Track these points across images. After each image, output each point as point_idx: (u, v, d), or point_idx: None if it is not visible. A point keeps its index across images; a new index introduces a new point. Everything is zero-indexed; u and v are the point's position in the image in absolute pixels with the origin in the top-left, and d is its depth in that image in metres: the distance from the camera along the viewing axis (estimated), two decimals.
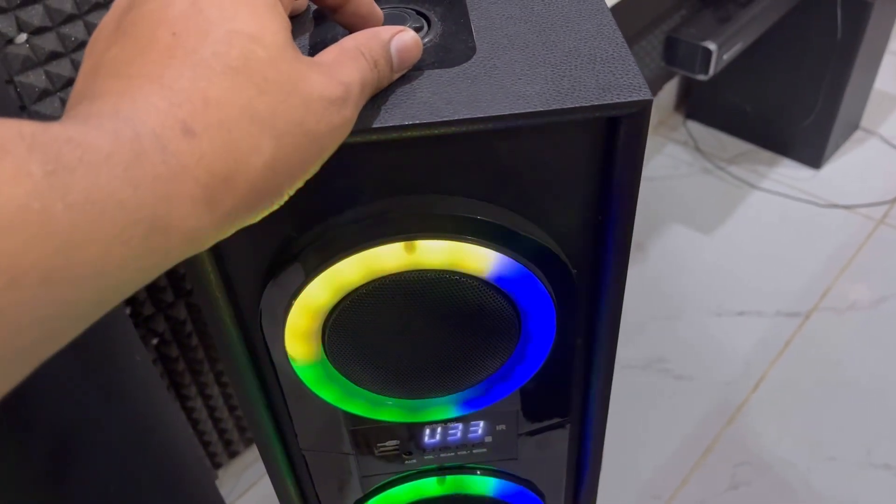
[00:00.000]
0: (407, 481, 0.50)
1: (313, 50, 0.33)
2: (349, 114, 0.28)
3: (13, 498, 0.46)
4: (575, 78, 0.31)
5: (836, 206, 1.67)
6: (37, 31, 0.69)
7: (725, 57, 1.36)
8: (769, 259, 1.56)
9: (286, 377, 0.41)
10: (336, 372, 0.39)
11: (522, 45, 0.33)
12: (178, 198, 0.22)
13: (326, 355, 0.38)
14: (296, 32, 0.34)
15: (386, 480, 0.50)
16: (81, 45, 0.72)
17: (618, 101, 0.30)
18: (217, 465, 1.15)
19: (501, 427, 0.46)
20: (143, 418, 0.59)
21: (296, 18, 0.35)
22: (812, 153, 1.76)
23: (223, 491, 1.18)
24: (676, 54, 1.37)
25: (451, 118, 0.30)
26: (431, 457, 0.48)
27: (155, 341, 0.95)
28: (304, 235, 0.35)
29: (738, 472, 1.22)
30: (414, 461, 0.48)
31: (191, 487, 0.66)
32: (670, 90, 1.89)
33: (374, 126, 0.30)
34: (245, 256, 0.36)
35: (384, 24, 0.33)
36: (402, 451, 0.47)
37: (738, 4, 1.43)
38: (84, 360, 0.50)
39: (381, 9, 0.34)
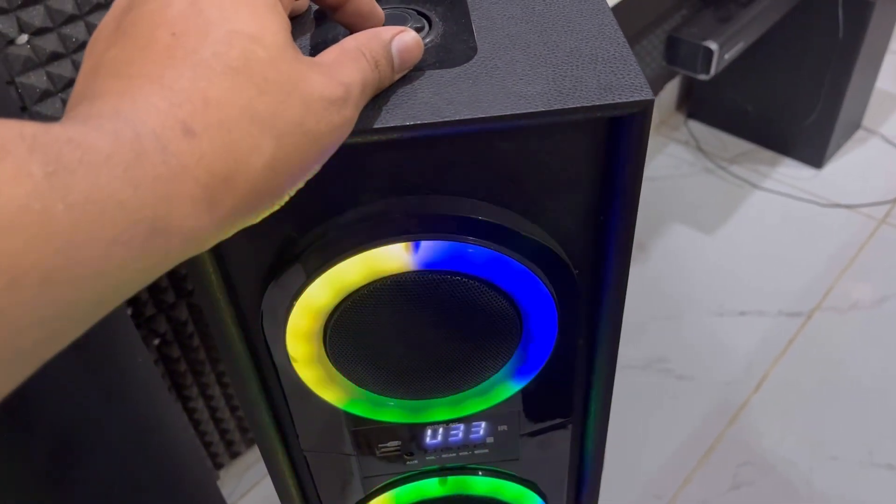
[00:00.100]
0: (408, 482, 0.50)
1: (314, 50, 0.33)
2: (350, 114, 0.28)
3: (14, 498, 0.46)
4: (576, 78, 0.31)
5: (837, 205, 1.67)
6: (38, 32, 0.69)
7: (727, 56, 1.36)
8: (771, 259, 1.56)
9: (287, 378, 0.41)
10: (337, 373, 0.39)
11: (524, 46, 0.33)
12: (178, 198, 0.22)
13: (328, 356, 0.38)
14: (296, 33, 0.34)
15: (387, 481, 0.50)
16: (82, 45, 0.72)
17: (619, 101, 0.30)
18: (219, 466, 1.15)
19: (503, 427, 0.46)
20: (145, 419, 0.59)
21: (297, 19, 0.35)
22: (813, 153, 1.76)
23: (225, 491, 1.18)
24: (678, 54, 1.37)
25: (453, 118, 0.30)
26: (433, 457, 0.48)
27: (156, 342, 0.95)
28: (305, 236, 0.35)
29: (740, 472, 1.22)
30: (415, 462, 0.48)
31: (192, 488, 0.66)
32: (671, 90, 1.89)
33: (375, 126, 0.30)
34: (246, 257, 0.36)
35: (385, 24, 0.33)
36: (404, 451, 0.47)
37: (739, 4, 1.43)
38: (85, 360, 0.50)
39: (383, 9, 0.34)
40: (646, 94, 0.30)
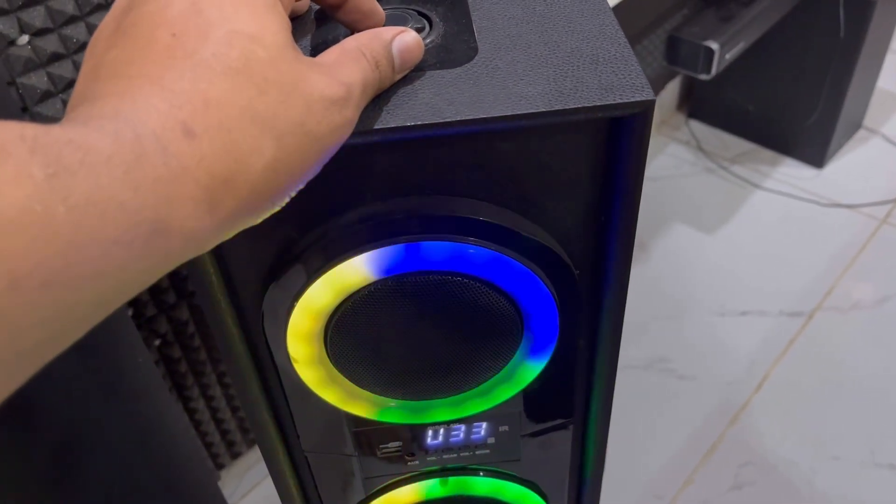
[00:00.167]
0: (409, 482, 0.50)
1: (315, 51, 0.33)
2: (350, 114, 0.28)
3: (15, 499, 0.46)
4: (577, 78, 0.31)
5: (839, 205, 1.67)
6: (38, 33, 0.69)
7: (728, 56, 1.36)
8: (772, 258, 1.55)
9: (288, 378, 0.41)
10: (338, 373, 0.39)
11: (524, 46, 0.33)
12: (179, 199, 0.22)
13: (329, 357, 0.38)
14: (297, 33, 0.34)
15: (388, 482, 0.50)
16: (83, 46, 0.72)
17: (620, 101, 0.30)
18: (220, 466, 1.15)
19: (504, 428, 0.46)
20: (146, 419, 0.59)
21: (297, 19, 0.35)
22: (815, 152, 1.76)
23: (226, 492, 1.18)
24: (678, 54, 1.37)
25: (453, 119, 0.30)
26: (434, 458, 0.48)
27: (157, 342, 0.95)
28: (305, 236, 0.35)
29: (741, 472, 1.22)
30: (416, 462, 0.48)
31: (193, 488, 0.66)
32: (672, 90, 1.89)
33: (376, 127, 0.30)
34: (247, 258, 0.36)
35: (386, 24, 0.33)
36: (405, 452, 0.47)
37: (740, 4, 1.43)
38: (86, 361, 0.50)
39: (384, 9, 0.34)
40: (647, 95, 0.30)
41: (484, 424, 0.46)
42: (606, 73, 0.31)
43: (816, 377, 1.34)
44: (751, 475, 1.21)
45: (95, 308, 0.21)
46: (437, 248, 0.34)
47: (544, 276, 0.36)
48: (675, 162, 1.80)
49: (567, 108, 0.30)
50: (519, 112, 0.30)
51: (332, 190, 0.33)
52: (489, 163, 0.33)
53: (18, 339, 0.19)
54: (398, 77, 0.32)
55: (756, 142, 1.83)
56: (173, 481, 0.62)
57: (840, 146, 1.79)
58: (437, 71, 0.32)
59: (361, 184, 0.34)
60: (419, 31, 0.34)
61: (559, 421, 0.47)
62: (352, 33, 0.32)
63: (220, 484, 1.12)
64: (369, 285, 0.35)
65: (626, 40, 0.33)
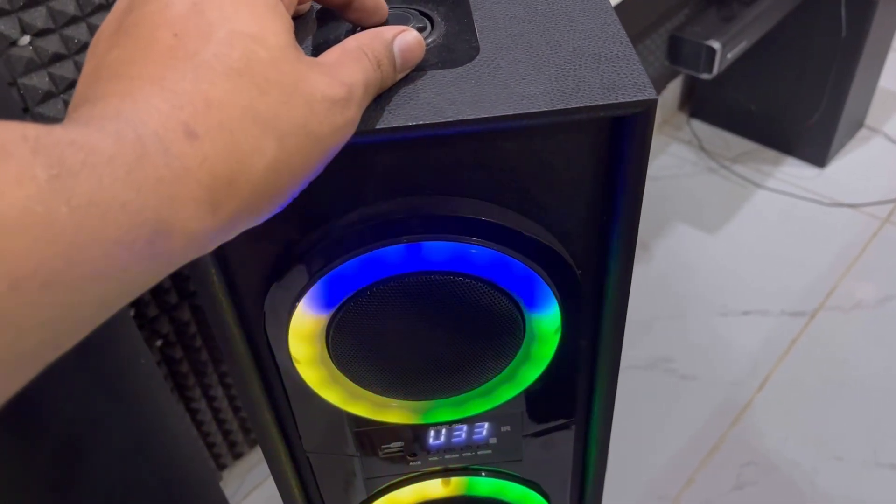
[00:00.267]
0: (411, 483, 0.49)
1: (316, 50, 0.33)
2: (352, 114, 0.28)
3: (18, 500, 0.46)
4: (579, 78, 0.31)
5: (841, 204, 1.67)
6: (40, 33, 0.69)
7: (729, 56, 1.36)
8: (774, 258, 1.55)
9: (290, 379, 0.41)
10: (340, 373, 0.39)
11: (526, 45, 0.33)
12: (181, 200, 0.22)
13: (330, 357, 0.38)
14: (298, 33, 0.34)
15: (390, 482, 0.50)
16: (84, 46, 0.72)
17: (622, 100, 0.30)
18: (221, 467, 1.16)
19: (506, 428, 0.46)
20: (147, 420, 0.59)
21: (298, 19, 0.35)
22: (817, 152, 1.75)
23: (227, 492, 1.18)
24: (680, 53, 1.37)
25: (455, 119, 0.30)
26: (436, 458, 0.48)
27: (159, 343, 0.95)
28: (307, 237, 0.35)
29: (743, 472, 1.22)
30: (418, 463, 0.48)
31: (195, 488, 0.66)
32: (674, 89, 1.89)
33: (378, 127, 0.30)
34: (249, 258, 0.36)
35: (387, 24, 0.33)
36: (407, 452, 0.47)
37: (742, 3, 1.42)
38: (88, 362, 0.50)
39: None
40: (649, 94, 0.30)
41: (486, 425, 0.46)
42: (608, 72, 0.31)
43: (819, 377, 1.34)
44: (753, 475, 1.21)
45: (97, 309, 0.21)
46: (438, 249, 0.34)
47: (546, 276, 0.36)
48: (677, 161, 1.80)
49: (569, 107, 0.30)
50: (521, 111, 0.30)
51: (334, 190, 0.33)
52: (491, 162, 0.33)
53: (20, 341, 0.19)
54: (400, 76, 0.31)
55: (758, 141, 1.83)
56: (175, 481, 0.62)
57: (842, 145, 1.79)
58: (439, 70, 0.32)
59: (363, 184, 0.34)
60: (421, 30, 0.34)
61: (561, 421, 0.47)
62: (353, 32, 0.32)
63: (221, 484, 1.12)
64: (371, 286, 0.35)
65: (628, 39, 0.33)
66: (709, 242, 1.60)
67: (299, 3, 0.33)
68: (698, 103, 1.89)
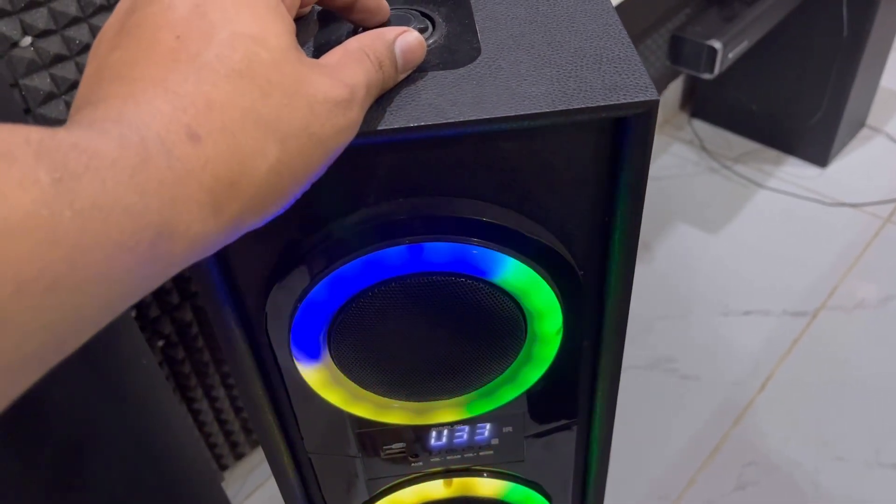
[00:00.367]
0: (413, 484, 0.49)
1: (318, 52, 0.33)
2: (354, 115, 0.28)
3: (21, 500, 0.46)
4: (581, 78, 0.31)
5: (842, 204, 1.67)
6: (41, 35, 0.69)
7: (731, 55, 1.36)
8: (776, 258, 1.55)
9: (292, 380, 0.41)
10: (342, 374, 0.39)
11: (528, 46, 0.33)
12: (183, 202, 0.22)
13: (332, 358, 0.38)
14: (300, 34, 0.34)
15: (392, 483, 0.50)
16: (86, 48, 0.72)
17: (624, 101, 0.30)
18: (223, 467, 1.16)
19: (508, 429, 0.46)
20: (149, 421, 0.59)
21: (300, 20, 0.35)
22: (818, 151, 1.75)
23: (229, 492, 1.18)
24: (682, 53, 1.37)
25: (457, 120, 0.30)
26: (438, 459, 0.48)
27: (161, 343, 0.95)
28: (309, 238, 0.35)
29: (745, 472, 1.21)
30: (420, 464, 0.48)
31: (197, 489, 0.66)
32: (675, 89, 1.89)
33: (380, 128, 0.30)
34: (250, 259, 0.36)
35: (389, 25, 0.33)
36: (409, 453, 0.47)
37: (743, 3, 1.42)
38: (90, 363, 0.50)
39: None
40: (651, 94, 0.30)
41: (488, 425, 0.46)
42: (610, 72, 0.31)
43: (820, 377, 1.34)
44: (755, 475, 1.21)
45: (101, 311, 0.21)
46: (440, 249, 0.34)
47: (548, 277, 0.36)
48: (679, 161, 1.80)
49: (570, 108, 0.30)
50: (522, 112, 0.30)
51: (336, 191, 0.33)
52: (492, 163, 0.33)
53: (24, 343, 0.19)
54: (401, 77, 0.31)
55: (759, 141, 1.83)
56: (177, 482, 0.62)
57: (843, 145, 1.79)
58: (440, 71, 0.32)
59: (365, 184, 0.34)
60: (422, 31, 0.34)
61: (563, 422, 0.47)
62: (355, 33, 0.32)
63: (223, 485, 1.12)
64: (373, 287, 0.35)
65: (629, 40, 0.33)
66: (710, 242, 1.60)
67: (301, 5, 0.33)
68: (700, 103, 1.89)
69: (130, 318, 0.65)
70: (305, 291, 0.35)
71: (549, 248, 0.36)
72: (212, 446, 1.11)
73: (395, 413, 0.42)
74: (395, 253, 0.34)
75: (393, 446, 0.46)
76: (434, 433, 0.46)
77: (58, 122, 0.72)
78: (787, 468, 1.21)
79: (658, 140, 1.84)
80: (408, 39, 0.31)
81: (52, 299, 0.19)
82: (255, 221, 0.25)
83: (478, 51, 0.33)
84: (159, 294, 0.92)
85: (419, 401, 0.41)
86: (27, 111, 0.70)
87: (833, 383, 1.33)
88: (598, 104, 0.30)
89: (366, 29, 0.33)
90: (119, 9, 0.27)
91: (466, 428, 0.46)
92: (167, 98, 0.23)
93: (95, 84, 0.25)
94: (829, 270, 1.52)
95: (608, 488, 0.53)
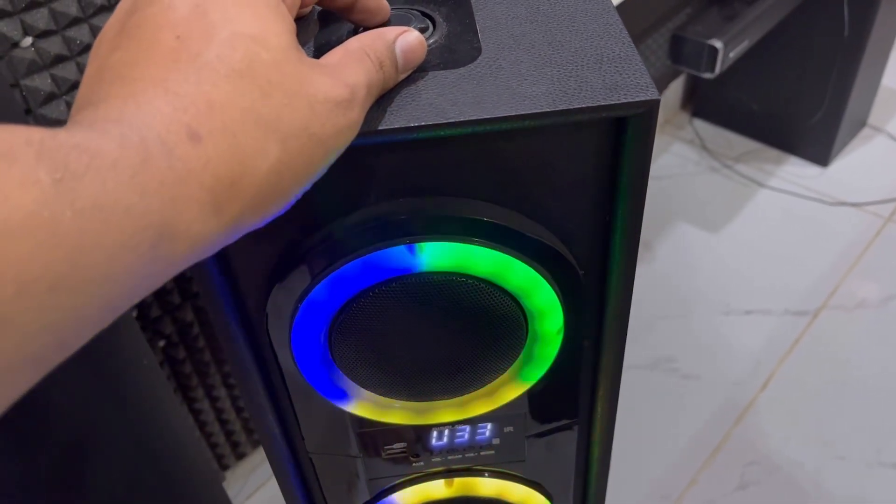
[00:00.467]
0: (414, 484, 0.49)
1: (318, 52, 0.33)
2: (355, 116, 0.28)
3: (22, 500, 0.46)
4: (581, 78, 0.31)
5: (843, 203, 1.67)
6: (42, 35, 0.69)
7: (732, 55, 1.36)
8: (777, 257, 1.55)
9: (293, 380, 0.41)
10: (343, 374, 0.39)
11: (528, 46, 0.33)
12: (184, 203, 0.22)
13: (333, 358, 0.38)
14: (300, 34, 0.34)
15: (393, 483, 0.50)
16: (87, 48, 0.72)
17: (625, 101, 0.30)
18: (224, 467, 1.16)
19: (509, 429, 0.46)
20: (150, 421, 0.59)
21: (300, 20, 0.35)
22: (819, 151, 1.75)
23: (230, 492, 1.18)
24: (682, 52, 1.37)
25: (457, 119, 0.30)
26: (439, 459, 0.48)
27: (162, 343, 0.95)
28: (309, 238, 0.35)
29: (746, 471, 1.21)
30: (421, 464, 0.48)
31: (198, 489, 0.66)
32: (676, 89, 1.89)
33: (380, 128, 0.30)
34: (251, 259, 0.36)
35: (389, 25, 0.33)
36: (410, 453, 0.47)
37: (744, 2, 1.42)
38: (91, 363, 0.50)
39: None
40: (651, 94, 0.30)
41: (489, 425, 0.46)
42: (611, 72, 0.31)
43: (822, 376, 1.34)
44: (756, 475, 1.21)
45: (102, 312, 0.21)
46: (441, 249, 0.34)
47: (549, 277, 0.36)
48: (680, 161, 1.80)
49: (571, 107, 0.30)
50: (523, 112, 0.30)
51: (336, 191, 0.33)
52: (493, 163, 0.33)
53: (26, 344, 0.19)
54: (402, 77, 0.31)
55: (760, 140, 1.83)
56: (178, 482, 0.62)
57: (845, 144, 1.79)
58: (441, 71, 0.32)
59: (365, 184, 0.34)
60: (422, 31, 0.34)
61: (564, 421, 0.47)
62: (355, 33, 0.32)
63: (224, 485, 1.12)
64: (373, 287, 0.35)
65: (630, 39, 0.33)
66: (711, 242, 1.60)
67: (302, 5, 0.33)
68: (700, 103, 1.89)
69: (131, 318, 0.65)
70: (306, 291, 0.35)
71: (550, 248, 0.36)
72: (213, 446, 1.11)
73: (395, 413, 0.42)
74: (395, 253, 0.34)
75: (394, 446, 0.46)
76: (435, 433, 0.46)
77: (59, 122, 0.72)
78: (789, 468, 1.21)
79: (659, 139, 1.84)
80: (408, 39, 0.31)
81: (54, 300, 0.19)
82: (256, 221, 0.25)
83: (478, 50, 0.33)
84: (160, 294, 0.92)
85: (420, 401, 0.41)
86: (28, 112, 0.70)
87: (834, 383, 1.33)
88: (598, 104, 0.30)
89: (366, 29, 0.33)
90: (119, 9, 0.27)
91: (467, 428, 0.46)
92: (167, 98, 0.23)
93: (96, 84, 0.25)
94: (831, 270, 1.52)
95: (609, 488, 0.53)
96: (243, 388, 0.41)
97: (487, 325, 0.37)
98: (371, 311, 0.36)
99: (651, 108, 0.30)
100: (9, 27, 0.67)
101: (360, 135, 0.29)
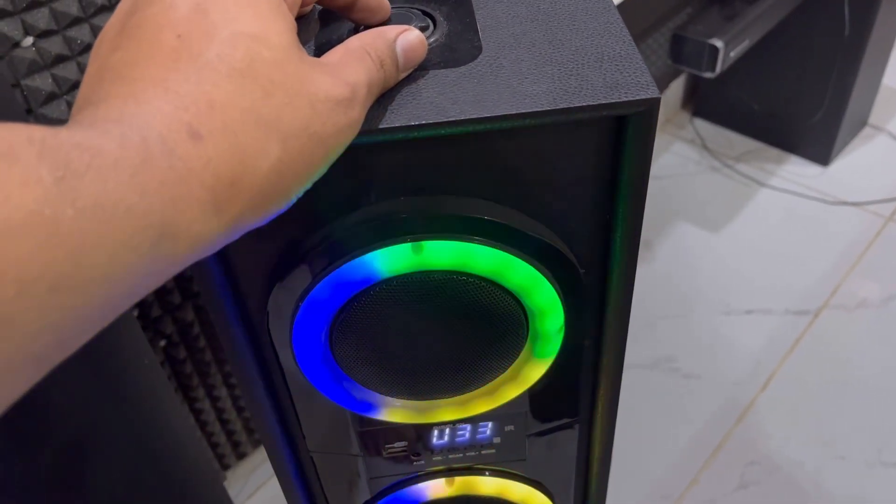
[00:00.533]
0: (415, 482, 0.49)
1: (319, 51, 0.33)
2: (356, 114, 0.27)
3: (22, 500, 0.47)
4: (582, 76, 0.31)
5: (844, 203, 1.66)
6: (43, 35, 0.69)
7: (732, 54, 1.36)
8: (777, 257, 1.55)
9: (293, 379, 0.41)
10: (343, 373, 0.39)
11: (529, 44, 0.33)
12: (185, 202, 0.22)
13: (334, 357, 0.38)
14: (301, 33, 0.34)
15: (394, 482, 0.50)
16: (87, 48, 0.72)
17: (625, 99, 0.30)
18: (225, 467, 1.16)
19: (510, 428, 0.46)
20: (151, 420, 0.59)
21: (301, 19, 0.35)
22: (820, 150, 1.75)
23: (231, 492, 1.18)
24: (683, 52, 1.37)
25: (458, 118, 0.30)
26: (440, 458, 0.48)
27: (163, 343, 0.95)
28: (310, 237, 0.35)
29: (747, 471, 1.21)
30: (422, 462, 0.48)
31: (199, 489, 0.66)
32: (677, 88, 1.89)
33: (381, 127, 0.30)
34: (252, 258, 0.36)
35: (390, 24, 0.33)
36: (411, 452, 0.47)
37: (744, 2, 1.42)
38: (92, 362, 0.50)
39: None
40: (652, 93, 0.30)
41: (490, 424, 0.46)
42: (611, 71, 0.31)
43: (822, 376, 1.34)
44: (757, 475, 1.21)
45: (103, 311, 0.21)
46: (441, 248, 0.34)
47: (549, 276, 0.36)
48: (680, 160, 1.80)
49: (572, 106, 0.30)
50: (523, 111, 0.30)
51: (337, 189, 0.33)
52: (493, 162, 0.33)
53: (27, 343, 0.19)
54: (402, 76, 0.31)
55: (761, 140, 1.83)
56: (178, 482, 0.62)
57: (845, 144, 1.78)
58: (442, 70, 0.32)
59: (366, 183, 0.34)
60: (423, 29, 0.34)
61: (565, 420, 0.47)
62: (356, 32, 0.32)
63: (225, 484, 1.12)
64: (374, 286, 0.35)
65: (630, 38, 0.33)
66: (712, 241, 1.60)
67: (302, 5, 0.33)
68: (701, 102, 1.89)
69: (132, 317, 0.65)
70: (307, 290, 0.35)
71: (551, 247, 0.36)
72: (214, 446, 1.11)
73: (397, 412, 0.42)
74: (396, 251, 0.34)
75: (395, 445, 0.46)
76: (436, 432, 0.46)
77: (59, 122, 0.72)
78: (789, 467, 1.21)
79: (659, 139, 1.84)
80: (409, 38, 0.31)
81: (55, 299, 0.19)
82: (257, 221, 0.25)
83: (479, 49, 0.33)
84: (161, 294, 0.92)
85: (421, 399, 0.41)
86: (29, 111, 0.70)
87: (835, 382, 1.32)
88: (599, 102, 0.30)
89: (367, 27, 0.33)
90: (120, 9, 0.27)
91: (468, 427, 0.46)
92: (168, 98, 0.23)
93: (97, 84, 0.25)
94: (831, 269, 1.52)
95: (610, 487, 0.53)
96: (244, 387, 0.41)
97: (488, 324, 0.37)
98: (372, 310, 0.36)
99: (652, 107, 0.30)
100: (10, 27, 0.67)
101: (361, 133, 0.29)
